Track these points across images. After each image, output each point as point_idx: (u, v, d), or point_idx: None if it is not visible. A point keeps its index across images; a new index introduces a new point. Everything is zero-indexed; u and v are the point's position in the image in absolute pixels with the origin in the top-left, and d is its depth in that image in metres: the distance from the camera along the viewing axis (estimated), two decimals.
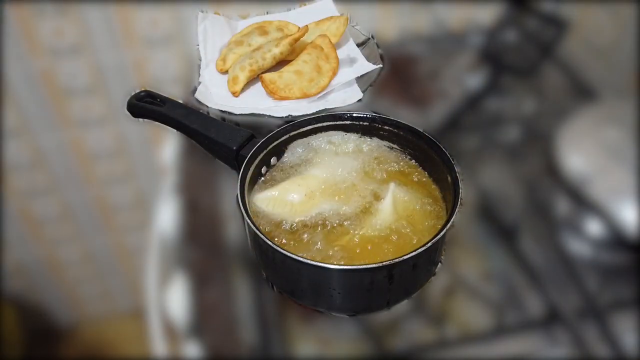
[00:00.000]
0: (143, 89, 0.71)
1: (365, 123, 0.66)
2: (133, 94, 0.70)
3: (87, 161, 1.67)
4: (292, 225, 0.60)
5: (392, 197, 0.60)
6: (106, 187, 1.75)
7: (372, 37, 0.81)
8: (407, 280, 0.56)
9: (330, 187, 0.63)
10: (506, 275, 1.05)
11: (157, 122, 0.70)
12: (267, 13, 0.86)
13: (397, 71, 1.37)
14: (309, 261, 0.52)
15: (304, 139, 0.67)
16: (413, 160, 0.66)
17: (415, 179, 0.63)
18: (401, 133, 0.65)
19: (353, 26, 0.83)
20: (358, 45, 0.81)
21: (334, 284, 0.54)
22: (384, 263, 0.52)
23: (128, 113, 0.71)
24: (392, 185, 0.61)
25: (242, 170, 0.60)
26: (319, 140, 0.67)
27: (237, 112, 0.70)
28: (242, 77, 0.74)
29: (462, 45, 1.48)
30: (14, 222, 1.77)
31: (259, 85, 0.75)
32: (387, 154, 0.66)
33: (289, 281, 0.57)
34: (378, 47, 0.80)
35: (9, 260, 1.86)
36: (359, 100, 0.73)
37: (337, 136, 0.68)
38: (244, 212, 0.56)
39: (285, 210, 0.61)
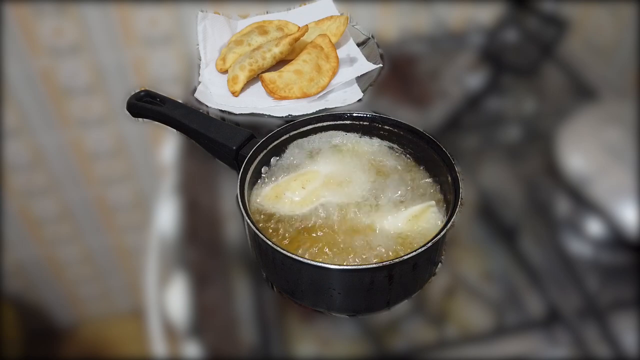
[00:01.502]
0: (143, 89, 0.71)
1: (365, 123, 0.66)
2: (133, 93, 0.70)
3: (87, 161, 1.67)
4: (290, 220, 0.60)
5: (420, 212, 0.60)
6: (106, 187, 1.75)
7: (372, 36, 0.81)
8: (407, 280, 0.56)
9: (330, 184, 0.63)
10: (506, 275, 1.05)
11: (156, 122, 0.70)
12: (267, 12, 0.86)
13: (397, 71, 1.37)
14: (309, 261, 0.52)
15: (304, 138, 0.67)
16: (413, 160, 0.66)
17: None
18: (401, 133, 0.65)
19: (353, 26, 0.83)
20: (358, 44, 0.81)
21: (334, 284, 0.54)
22: (384, 263, 0.52)
23: (128, 113, 0.71)
24: (430, 204, 0.60)
25: (242, 170, 0.60)
26: (319, 140, 0.67)
27: (237, 112, 0.70)
28: (242, 77, 0.74)
29: (462, 45, 1.48)
30: (14, 222, 1.76)
31: (258, 84, 0.75)
32: (388, 153, 0.66)
33: (289, 281, 0.57)
34: (378, 46, 0.80)
35: (9, 260, 1.85)
36: (359, 100, 0.73)
37: (337, 136, 0.68)
38: (243, 212, 0.56)
39: (284, 206, 0.61)
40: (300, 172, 0.64)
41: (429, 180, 0.63)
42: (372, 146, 0.66)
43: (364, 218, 0.60)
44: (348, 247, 0.57)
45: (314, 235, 0.58)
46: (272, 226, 0.60)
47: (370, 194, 0.62)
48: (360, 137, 0.67)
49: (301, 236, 0.59)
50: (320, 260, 0.55)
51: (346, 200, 0.61)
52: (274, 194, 0.62)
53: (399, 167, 0.65)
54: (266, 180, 0.64)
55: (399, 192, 0.62)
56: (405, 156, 0.66)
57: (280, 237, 0.59)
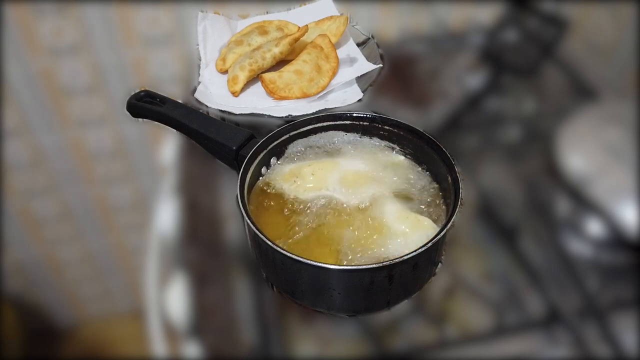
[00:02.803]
0: (143, 89, 0.71)
1: (365, 123, 0.66)
2: (133, 93, 0.70)
3: (87, 161, 1.67)
4: (290, 201, 0.62)
5: (423, 222, 0.60)
6: (106, 187, 1.75)
7: (372, 36, 0.81)
8: (407, 280, 0.56)
9: (343, 180, 0.63)
10: (506, 275, 1.05)
11: (157, 122, 0.70)
12: (267, 13, 0.86)
13: (397, 71, 1.37)
14: (309, 261, 0.52)
15: (304, 139, 0.67)
16: (413, 161, 0.66)
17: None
18: (401, 133, 0.65)
19: (353, 26, 0.83)
20: (358, 45, 0.81)
21: (334, 284, 0.54)
22: (384, 263, 0.52)
23: (128, 113, 0.71)
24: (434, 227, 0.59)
25: (242, 170, 0.61)
26: (323, 140, 0.68)
27: (237, 112, 0.70)
28: (242, 77, 0.74)
29: (462, 45, 1.48)
30: (14, 222, 1.76)
31: (258, 85, 0.75)
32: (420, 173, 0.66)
33: (288, 281, 0.57)
34: (378, 46, 0.80)
35: (9, 260, 1.85)
36: (359, 100, 0.73)
37: (338, 136, 0.68)
38: (243, 212, 0.56)
39: (291, 187, 0.63)
40: (319, 160, 0.65)
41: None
42: (405, 159, 0.66)
43: (355, 215, 0.60)
44: (325, 239, 0.58)
45: (300, 220, 0.60)
46: (270, 202, 0.62)
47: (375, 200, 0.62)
48: (361, 137, 0.67)
49: (287, 217, 0.61)
50: (320, 260, 0.55)
51: (349, 199, 0.62)
52: (288, 174, 0.64)
53: (424, 191, 0.64)
54: (289, 159, 0.66)
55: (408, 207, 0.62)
56: (406, 157, 0.66)
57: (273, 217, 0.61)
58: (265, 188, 0.63)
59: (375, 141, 0.67)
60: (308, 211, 0.61)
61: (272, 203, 0.62)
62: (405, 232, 0.58)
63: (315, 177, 0.63)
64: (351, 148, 0.67)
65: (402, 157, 0.66)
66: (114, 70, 1.48)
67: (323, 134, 0.67)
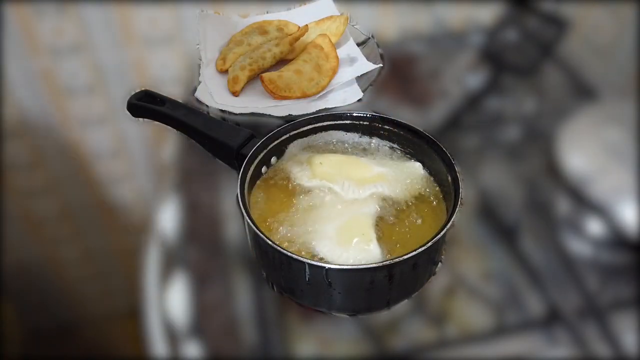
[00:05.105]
0: (143, 89, 0.71)
1: (365, 123, 0.67)
2: (133, 93, 0.71)
3: (87, 161, 1.67)
4: (292, 187, 0.64)
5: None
6: (106, 187, 1.75)
7: (372, 36, 0.82)
8: (407, 280, 0.56)
9: (346, 172, 0.63)
10: (506, 275, 1.05)
11: (157, 122, 0.70)
12: (267, 12, 0.86)
13: (397, 71, 1.37)
14: (309, 261, 0.53)
15: (304, 138, 0.67)
16: (425, 167, 0.66)
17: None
18: (401, 132, 0.65)
19: (353, 25, 0.83)
20: (358, 44, 0.81)
21: (334, 284, 0.54)
22: (384, 263, 0.52)
23: (128, 113, 0.71)
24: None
25: (242, 169, 0.61)
26: (325, 139, 0.68)
27: (237, 112, 0.70)
28: (242, 77, 0.74)
29: (462, 45, 1.48)
30: (14, 222, 1.76)
31: (259, 84, 0.75)
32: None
33: (289, 281, 0.57)
34: (378, 46, 0.80)
35: (9, 260, 1.85)
36: (359, 100, 0.74)
37: (338, 135, 0.68)
38: (244, 212, 0.56)
39: (299, 172, 0.64)
40: (337, 154, 0.66)
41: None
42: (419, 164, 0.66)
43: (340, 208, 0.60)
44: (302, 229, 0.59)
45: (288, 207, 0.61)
46: (273, 183, 0.64)
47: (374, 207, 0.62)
48: (360, 137, 0.67)
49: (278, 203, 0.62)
50: (321, 259, 0.55)
51: (345, 195, 0.62)
52: (304, 160, 0.65)
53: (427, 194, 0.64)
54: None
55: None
56: (406, 157, 0.66)
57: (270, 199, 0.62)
58: (278, 173, 0.65)
59: (387, 144, 0.67)
60: (305, 197, 0.62)
61: (280, 187, 0.63)
62: (349, 243, 0.57)
63: (323, 168, 0.63)
64: (372, 150, 0.68)
65: (417, 164, 0.66)
66: (114, 70, 1.48)
67: (323, 134, 0.67)
